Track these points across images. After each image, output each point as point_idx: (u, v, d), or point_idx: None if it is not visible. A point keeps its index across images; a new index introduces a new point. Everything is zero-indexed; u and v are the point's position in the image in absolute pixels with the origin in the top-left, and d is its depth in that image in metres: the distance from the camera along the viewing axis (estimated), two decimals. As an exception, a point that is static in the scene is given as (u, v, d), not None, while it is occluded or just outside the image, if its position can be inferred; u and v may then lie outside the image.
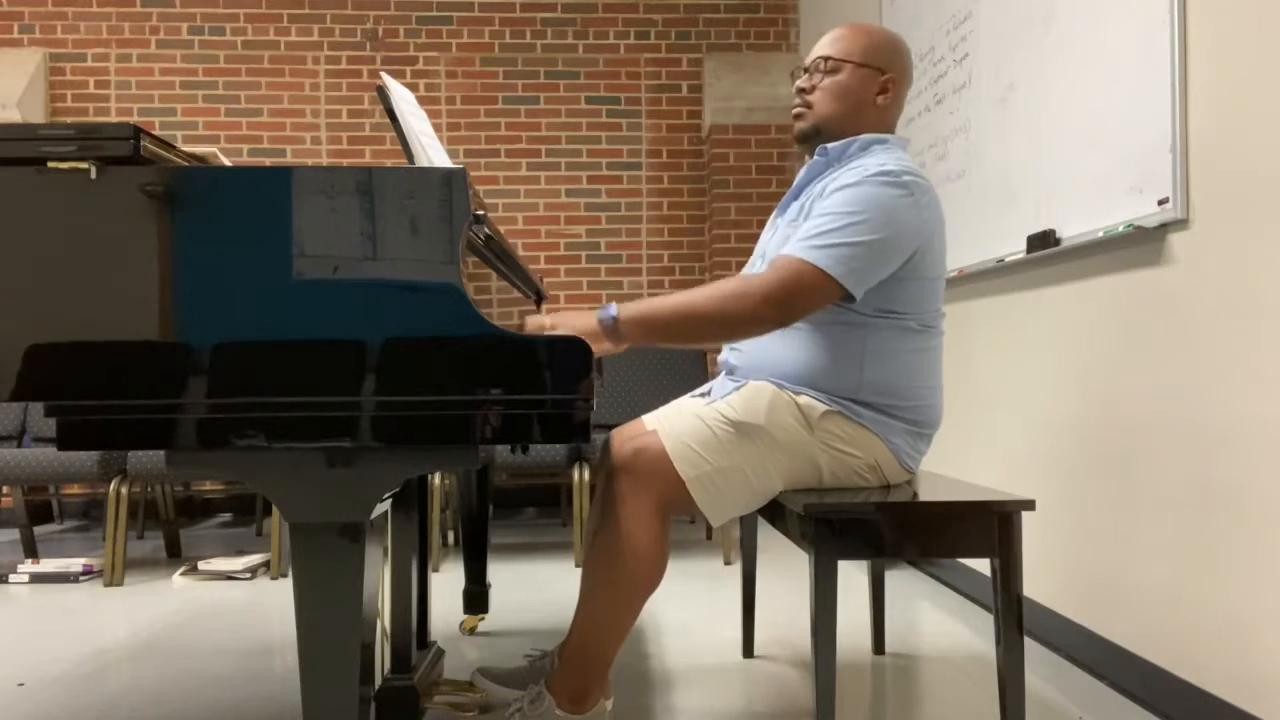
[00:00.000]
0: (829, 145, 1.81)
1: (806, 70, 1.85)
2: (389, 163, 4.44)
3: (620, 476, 1.67)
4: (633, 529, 1.65)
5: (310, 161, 4.92)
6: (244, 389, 1.27)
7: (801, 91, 1.85)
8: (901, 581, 3.16)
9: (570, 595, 3.00)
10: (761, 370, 1.80)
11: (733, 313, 1.61)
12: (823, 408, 1.72)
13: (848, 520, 1.60)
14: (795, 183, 1.88)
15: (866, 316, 1.71)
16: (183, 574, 3.43)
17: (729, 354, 1.91)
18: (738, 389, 1.79)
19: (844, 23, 1.89)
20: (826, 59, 1.81)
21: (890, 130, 1.85)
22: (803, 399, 1.73)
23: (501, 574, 3.37)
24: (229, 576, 3.37)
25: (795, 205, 1.84)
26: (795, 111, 1.87)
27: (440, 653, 2.20)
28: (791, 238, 1.70)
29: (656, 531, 1.66)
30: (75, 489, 4.81)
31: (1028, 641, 2.13)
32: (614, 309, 1.60)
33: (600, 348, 1.60)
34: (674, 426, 1.72)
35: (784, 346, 1.77)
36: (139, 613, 2.90)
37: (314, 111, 4.94)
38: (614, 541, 1.66)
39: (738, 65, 4.91)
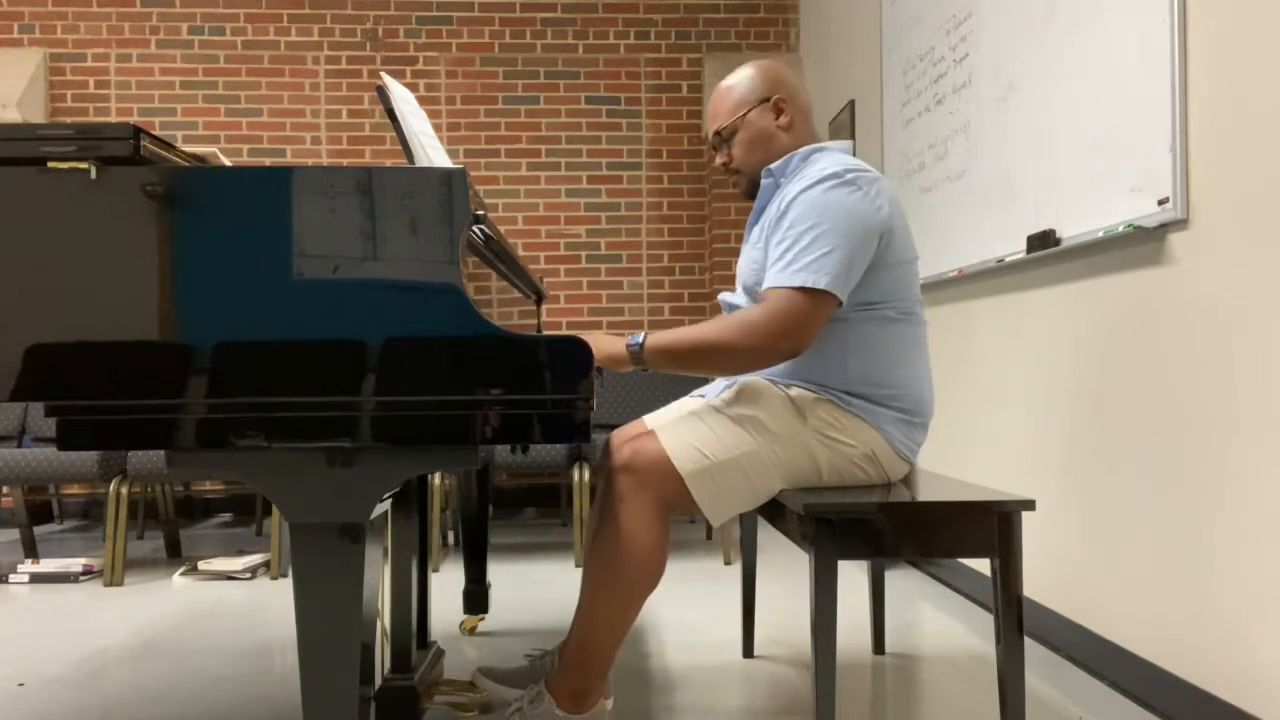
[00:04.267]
0: (772, 166, 1.86)
1: (714, 149, 1.96)
2: (389, 163, 4.45)
3: (619, 476, 1.68)
4: (632, 528, 1.66)
5: (310, 161, 4.92)
6: (244, 389, 1.27)
7: (725, 165, 1.95)
8: (901, 581, 3.15)
9: (570, 595, 3.00)
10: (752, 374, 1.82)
11: (747, 347, 1.66)
12: (813, 396, 1.76)
13: (848, 520, 1.60)
14: (754, 208, 1.93)
15: (845, 311, 1.74)
16: (183, 574, 3.43)
17: None
18: (729, 387, 1.83)
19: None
20: (719, 131, 1.92)
21: (812, 135, 1.91)
22: (794, 391, 1.77)
23: (501, 574, 3.37)
24: (229, 576, 3.37)
25: (756, 229, 1.89)
26: (731, 182, 1.98)
27: (440, 653, 2.20)
28: (767, 266, 1.73)
29: (656, 530, 1.67)
30: (75, 489, 4.81)
31: (1028, 641, 2.13)
32: (641, 337, 1.68)
33: (621, 371, 1.70)
34: (671, 425, 1.75)
35: None
36: (139, 613, 2.90)
37: (314, 111, 4.94)
38: (614, 541, 1.67)
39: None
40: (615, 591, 1.70)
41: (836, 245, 1.66)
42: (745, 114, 1.88)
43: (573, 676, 1.74)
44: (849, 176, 1.72)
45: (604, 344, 1.67)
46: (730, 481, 1.70)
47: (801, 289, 1.65)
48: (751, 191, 1.92)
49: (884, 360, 1.77)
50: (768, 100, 1.87)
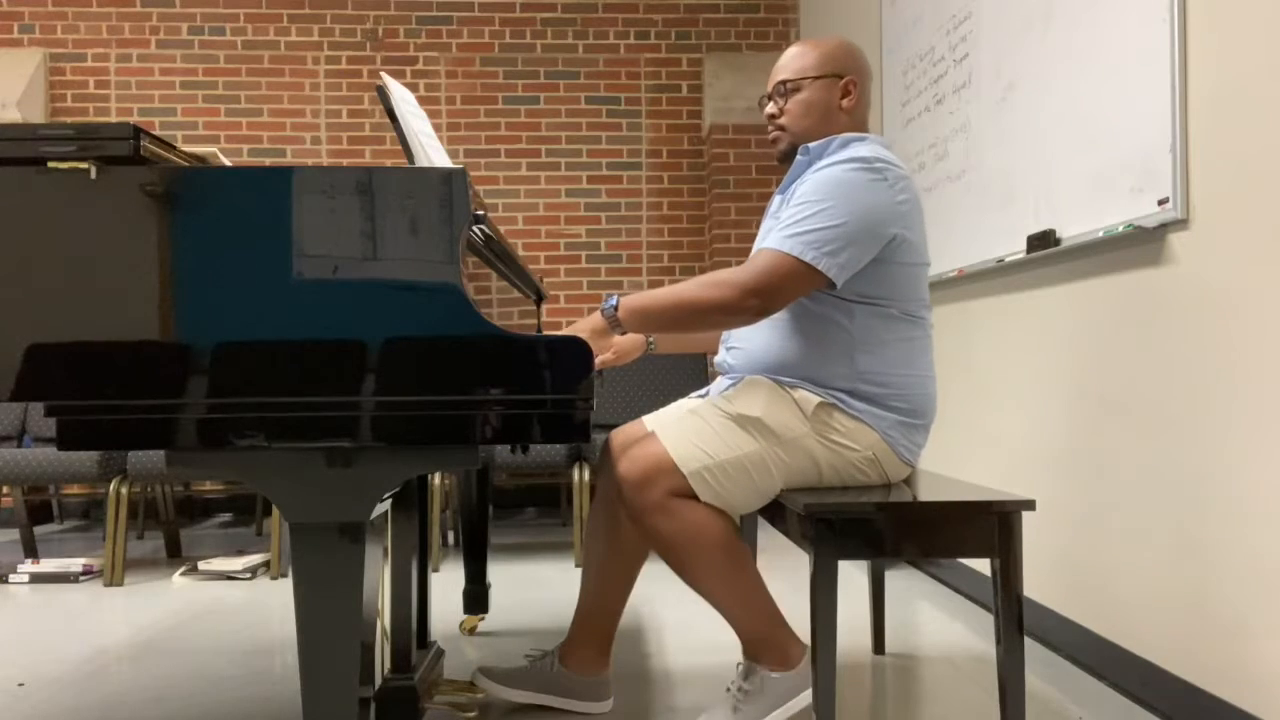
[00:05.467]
0: (810, 144, 1.85)
1: (770, 97, 1.92)
2: (389, 163, 4.45)
3: (626, 488, 1.69)
4: (667, 528, 1.67)
5: (310, 161, 4.92)
6: (244, 389, 1.27)
7: (772, 118, 1.91)
8: (901, 581, 3.15)
9: (570, 595, 3.00)
10: (757, 368, 1.83)
11: (717, 301, 1.66)
12: (816, 399, 1.74)
13: (848, 520, 1.60)
14: (782, 182, 1.92)
15: (849, 303, 1.74)
16: (183, 574, 3.43)
17: (725, 354, 1.94)
18: (733, 385, 1.82)
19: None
20: (786, 81, 1.88)
21: (863, 126, 1.90)
22: (798, 393, 1.76)
23: (501, 574, 3.37)
24: (229, 576, 3.37)
25: (779, 199, 1.90)
26: (772, 136, 1.93)
27: (440, 653, 2.20)
28: (770, 231, 1.75)
29: (688, 511, 1.67)
30: (75, 489, 4.81)
31: (1028, 641, 2.13)
32: (615, 298, 1.68)
33: (608, 342, 1.70)
34: (673, 425, 1.75)
35: (777, 343, 1.80)
36: (139, 613, 2.90)
37: (314, 111, 4.94)
38: (669, 547, 1.68)
39: (738, 65, 4.91)
40: (710, 577, 1.71)
41: (840, 224, 1.66)
42: (817, 77, 1.86)
43: (767, 647, 1.75)
44: (876, 165, 1.71)
45: (585, 323, 1.68)
46: (731, 478, 1.69)
47: (786, 254, 1.66)
48: (788, 154, 1.91)
49: (888, 359, 1.76)
50: (841, 77, 1.86)
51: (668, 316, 1.69)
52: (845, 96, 1.86)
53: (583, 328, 1.67)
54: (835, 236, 1.66)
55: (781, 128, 1.90)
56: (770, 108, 1.92)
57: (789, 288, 1.67)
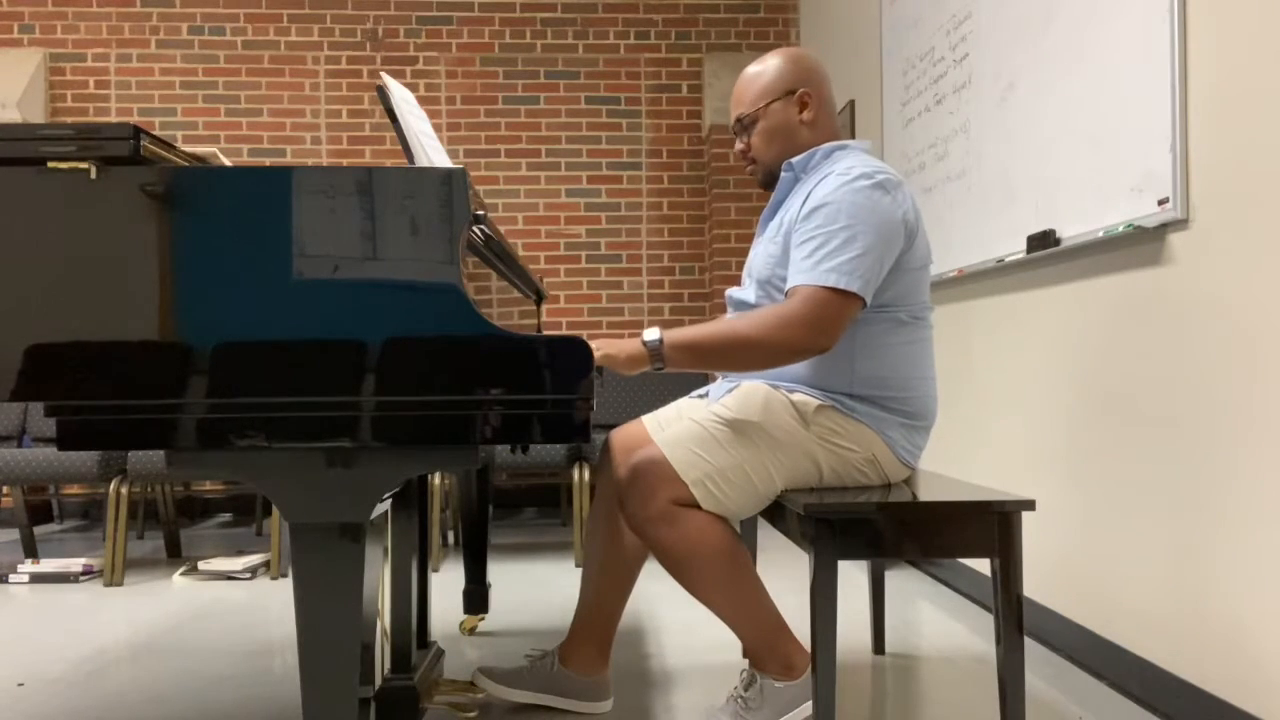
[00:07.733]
0: (793, 160, 1.84)
1: (736, 134, 1.93)
2: (389, 163, 4.45)
3: (627, 498, 1.69)
4: (675, 535, 1.67)
5: (310, 161, 4.92)
6: (244, 389, 1.27)
7: (743, 153, 1.92)
8: (901, 581, 3.16)
9: (570, 595, 3.00)
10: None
11: (783, 342, 1.63)
12: (816, 403, 1.74)
13: (848, 520, 1.60)
14: (771, 201, 1.91)
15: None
16: (183, 574, 3.43)
17: None
18: (731, 390, 1.82)
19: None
20: (741, 118, 1.89)
21: (834, 132, 1.89)
22: (796, 396, 1.75)
23: (501, 574, 3.37)
24: (229, 576, 3.37)
25: (774, 223, 1.87)
26: (748, 171, 1.95)
27: (440, 653, 2.20)
28: (793, 261, 1.71)
29: (692, 518, 1.67)
30: (75, 489, 4.81)
31: (1028, 641, 2.13)
32: (658, 333, 1.65)
33: (640, 370, 1.66)
34: (672, 433, 1.75)
35: None
36: (139, 613, 2.90)
37: (314, 111, 4.94)
38: (676, 554, 1.68)
39: (738, 65, 4.90)
40: (713, 587, 1.70)
41: (868, 248, 1.65)
42: (769, 104, 1.84)
43: (772, 656, 1.75)
44: (879, 179, 1.71)
45: (625, 347, 1.64)
46: (731, 484, 1.69)
47: (833, 288, 1.63)
48: (768, 182, 1.90)
49: (890, 362, 1.76)
50: (793, 93, 1.84)
51: (722, 355, 1.67)
52: (803, 110, 1.84)
53: (619, 351, 1.63)
54: (869, 260, 1.65)
55: (753, 160, 1.90)
56: (739, 144, 1.92)
57: (841, 321, 1.65)
